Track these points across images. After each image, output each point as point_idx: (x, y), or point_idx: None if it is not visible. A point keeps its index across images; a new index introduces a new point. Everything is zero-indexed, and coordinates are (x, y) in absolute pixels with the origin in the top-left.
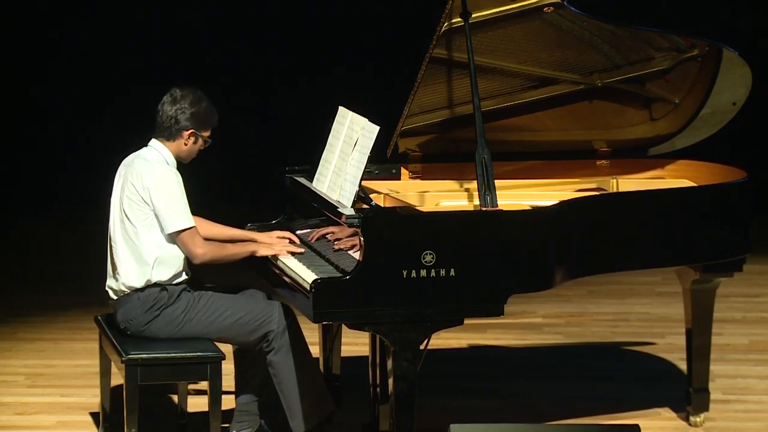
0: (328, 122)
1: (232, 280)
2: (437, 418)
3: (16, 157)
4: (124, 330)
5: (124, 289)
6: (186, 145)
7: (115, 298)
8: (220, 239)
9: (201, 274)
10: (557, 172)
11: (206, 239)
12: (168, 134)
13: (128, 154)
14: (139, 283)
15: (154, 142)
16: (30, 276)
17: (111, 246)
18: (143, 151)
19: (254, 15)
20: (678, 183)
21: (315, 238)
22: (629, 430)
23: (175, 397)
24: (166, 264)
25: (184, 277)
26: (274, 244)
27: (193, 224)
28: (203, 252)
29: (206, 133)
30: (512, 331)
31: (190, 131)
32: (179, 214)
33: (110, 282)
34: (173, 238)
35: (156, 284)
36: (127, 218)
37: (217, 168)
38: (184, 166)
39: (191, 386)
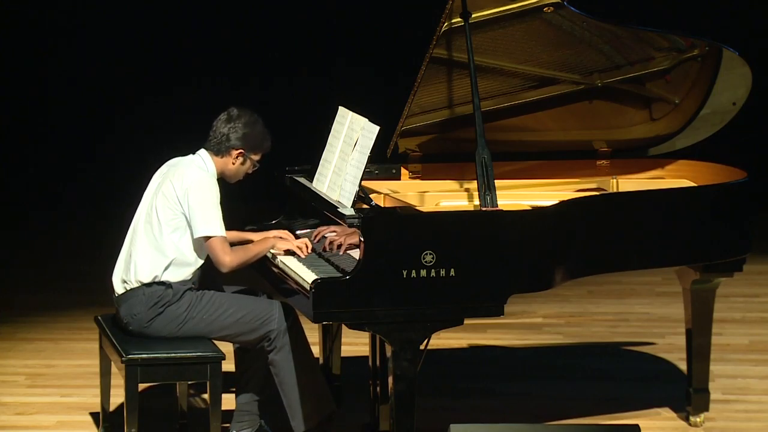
0: (328, 122)
1: (232, 280)
2: (437, 418)
3: (21, 160)
4: (126, 325)
5: (132, 280)
6: (233, 164)
7: (120, 292)
8: (238, 242)
9: (214, 277)
10: (557, 172)
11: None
12: (217, 149)
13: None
14: (148, 278)
15: (202, 152)
16: (30, 276)
17: (132, 237)
18: (189, 156)
19: (254, 15)
20: (678, 183)
21: (317, 238)
22: (629, 430)
23: (176, 397)
24: (179, 268)
25: (190, 285)
26: (290, 239)
27: (223, 234)
28: (231, 259)
29: (255, 156)
30: (512, 331)
31: (239, 151)
32: (213, 220)
33: (120, 273)
34: (201, 244)
35: (162, 282)
36: (157, 214)
37: None
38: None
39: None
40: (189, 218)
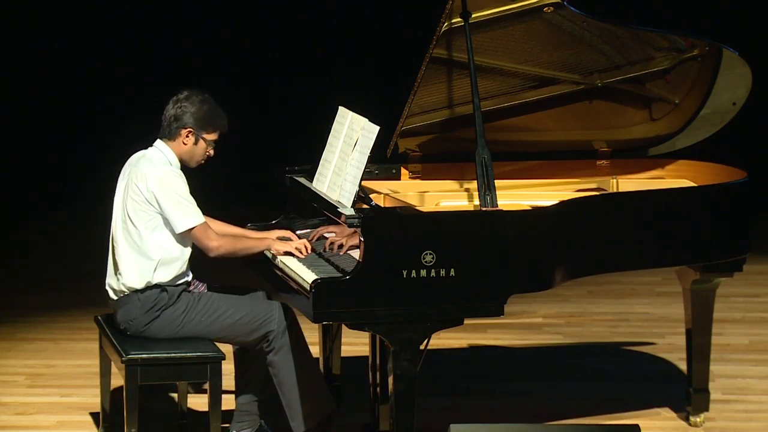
0: (328, 122)
1: (231, 280)
2: (437, 418)
3: (21, 160)
4: (124, 330)
5: (124, 289)
6: (185, 144)
7: (115, 298)
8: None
9: (207, 277)
10: (557, 172)
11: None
12: (168, 133)
13: (132, 155)
14: (139, 284)
15: (158, 143)
16: (30, 276)
17: (113, 245)
18: (148, 151)
19: (254, 15)
20: (678, 183)
21: (315, 238)
22: (629, 430)
23: (175, 397)
24: (168, 266)
25: (184, 279)
26: (292, 239)
27: (203, 220)
28: (218, 245)
29: (209, 136)
30: (512, 331)
31: (188, 129)
32: (188, 212)
33: (111, 281)
34: (185, 237)
35: (156, 285)
36: (131, 220)
37: (217, 168)
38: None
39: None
40: (165, 217)
